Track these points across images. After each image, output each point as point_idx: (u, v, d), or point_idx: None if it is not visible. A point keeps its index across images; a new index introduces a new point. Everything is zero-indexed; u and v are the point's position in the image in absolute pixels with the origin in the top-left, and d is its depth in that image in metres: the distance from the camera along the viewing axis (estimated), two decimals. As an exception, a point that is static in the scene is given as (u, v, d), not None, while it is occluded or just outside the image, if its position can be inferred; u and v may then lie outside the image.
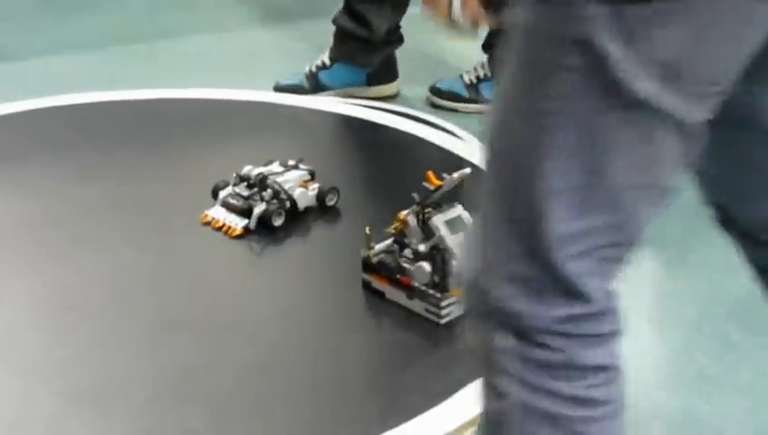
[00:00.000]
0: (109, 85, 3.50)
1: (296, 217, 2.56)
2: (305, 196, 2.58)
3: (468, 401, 1.88)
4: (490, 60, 3.38)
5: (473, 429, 1.84)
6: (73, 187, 2.75)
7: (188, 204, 2.62)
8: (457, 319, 2.13)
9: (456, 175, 2.17)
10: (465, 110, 3.38)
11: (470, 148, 2.97)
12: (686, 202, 2.68)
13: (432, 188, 2.16)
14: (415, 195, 2.17)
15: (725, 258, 2.41)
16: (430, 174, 2.16)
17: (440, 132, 3.10)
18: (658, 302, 2.27)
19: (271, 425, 1.84)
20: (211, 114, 3.22)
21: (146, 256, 2.41)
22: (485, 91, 3.37)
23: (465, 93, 3.42)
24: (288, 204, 2.54)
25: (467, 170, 2.20)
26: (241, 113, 3.23)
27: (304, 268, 2.38)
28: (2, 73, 3.67)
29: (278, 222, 2.51)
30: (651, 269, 2.39)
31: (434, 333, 2.11)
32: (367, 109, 3.26)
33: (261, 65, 3.77)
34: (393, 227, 2.21)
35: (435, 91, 3.45)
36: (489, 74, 3.40)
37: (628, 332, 2.13)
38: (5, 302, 2.23)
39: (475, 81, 3.42)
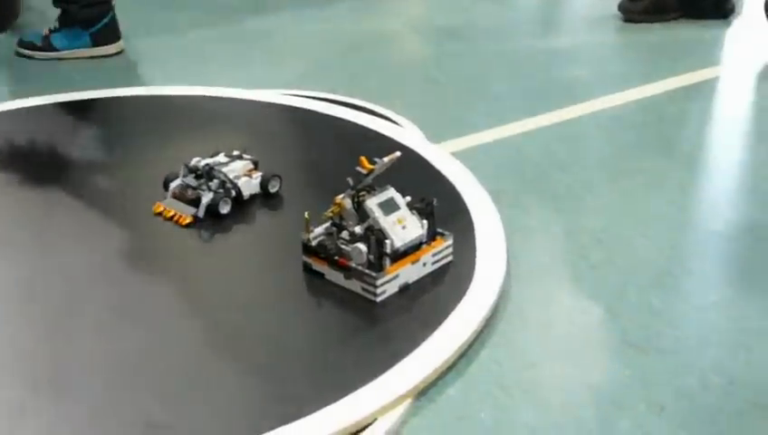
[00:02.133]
0: (62, 86, 3.48)
1: (242, 205, 2.54)
2: (249, 184, 2.56)
3: (403, 375, 1.87)
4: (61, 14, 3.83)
5: (408, 401, 1.83)
6: (28, 185, 2.72)
7: (142, 195, 2.60)
8: (392, 297, 2.12)
9: (386, 159, 2.15)
10: (39, 57, 3.80)
11: (407, 133, 2.96)
12: (609, 176, 2.70)
13: (365, 172, 2.14)
14: (349, 179, 2.15)
15: (647, 231, 2.44)
16: (363, 159, 2.15)
17: (378, 119, 3.08)
18: (584, 273, 2.25)
19: (213, 404, 1.82)
20: (160, 110, 3.20)
21: (101, 245, 2.38)
22: (55, 41, 3.80)
23: (39, 43, 3.82)
24: (233, 192, 2.53)
25: (397, 154, 2.18)
26: (188, 108, 3.22)
27: (249, 253, 2.35)
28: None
29: (225, 210, 2.49)
30: (577, 243, 2.38)
31: (370, 310, 2.08)
32: (308, 99, 3.25)
33: (209, 62, 3.76)
34: (330, 210, 2.19)
35: (18, 41, 3.87)
36: (58, 26, 3.82)
37: (553, 303, 2.15)
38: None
39: (47, 32, 3.81)
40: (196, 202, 2.50)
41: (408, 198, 2.20)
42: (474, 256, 2.26)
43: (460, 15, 4.20)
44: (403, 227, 2.14)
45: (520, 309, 2.12)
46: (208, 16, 4.34)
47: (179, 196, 2.53)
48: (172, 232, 2.44)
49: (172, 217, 2.49)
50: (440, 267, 2.22)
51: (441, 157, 2.79)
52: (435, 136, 2.96)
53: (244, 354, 1.96)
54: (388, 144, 2.86)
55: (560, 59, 3.70)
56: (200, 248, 2.38)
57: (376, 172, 2.15)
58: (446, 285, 2.17)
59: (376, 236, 2.10)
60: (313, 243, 2.20)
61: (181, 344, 2.00)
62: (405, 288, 2.15)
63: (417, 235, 2.16)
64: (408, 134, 2.96)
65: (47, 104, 3.29)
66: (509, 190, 2.63)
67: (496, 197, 2.54)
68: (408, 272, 2.15)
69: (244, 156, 2.63)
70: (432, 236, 2.21)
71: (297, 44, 3.96)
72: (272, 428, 1.75)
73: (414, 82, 3.51)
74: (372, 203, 2.13)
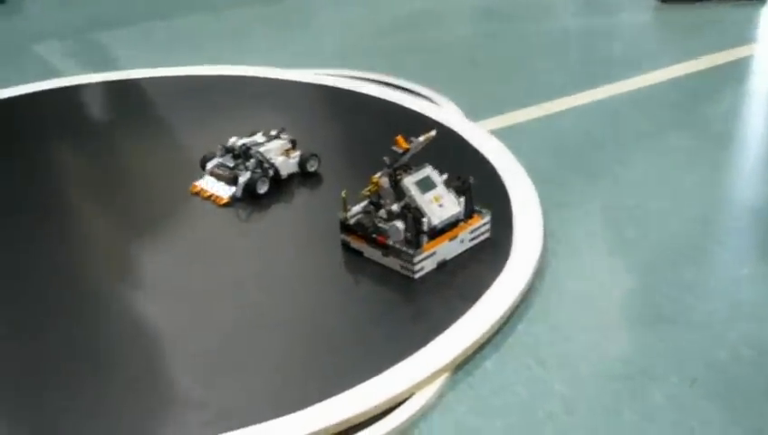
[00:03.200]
0: (104, 66, 3.54)
1: (280, 184, 2.59)
2: (287, 163, 2.61)
3: (441, 349, 1.93)
4: None
5: (446, 375, 1.88)
6: (68, 164, 2.79)
7: (179, 175, 2.65)
8: (430, 273, 2.17)
9: (422, 138, 2.20)
10: None
11: (445, 112, 3.00)
12: (644, 153, 2.74)
13: (401, 151, 2.19)
14: (385, 158, 2.20)
15: (680, 206, 2.47)
16: (399, 138, 2.19)
17: (416, 98, 3.12)
18: (618, 248, 2.30)
19: (254, 380, 1.87)
20: (197, 90, 3.25)
21: (139, 225, 2.45)
22: None
23: None
24: (271, 172, 2.57)
25: (433, 133, 2.23)
26: (226, 87, 3.26)
27: (288, 232, 2.40)
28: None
29: (262, 189, 2.54)
30: (612, 218, 2.43)
31: (408, 287, 2.13)
32: (345, 78, 3.29)
33: (248, 41, 3.80)
34: (368, 189, 2.24)
35: None
36: None
37: (588, 277, 2.19)
38: (4, 270, 2.26)
39: None
40: (233, 182, 2.55)
41: (445, 176, 2.25)
42: (511, 233, 2.31)
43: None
44: (440, 204, 2.19)
45: (556, 284, 2.17)
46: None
47: (217, 176, 2.58)
48: (210, 211, 2.49)
49: (209, 197, 2.54)
50: (478, 244, 2.27)
51: (479, 135, 2.83)
52: (473, 114, 3.00)
53: (283, 332, 2.02)
54: (427, 123, 2.90)
55: (596, 38, 3.73)
56: (238, 227, 2.44)
57: (412, 151, 2.20)
58: (484, 260, 2.22)
59: (413, 214, 2.15)
60: (351, 221, 2.25)
61: (219, 322, 2.05)
62: (442, 265, 2.20)
63: (453, 212, 2.21)
64: (446, 113, 3.00)
65: (84, 84, 3.34)
66: (546, 167, 2.67)
67: (533, 174, 2.59)
68: (446, 249, 2.20)
69: (282, 135, 2.67)
70: (469, 213, 2.26)
71: (336, 23, 4.01)
72: (311, 404, 1.80)
73: (452, 61, 3.55)
74: (409, 181, 2.19)
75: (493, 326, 2.00)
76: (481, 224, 2.27)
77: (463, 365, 1.93)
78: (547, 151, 2.79)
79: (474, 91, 3.24)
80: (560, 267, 2.23)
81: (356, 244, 2.25)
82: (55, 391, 1.86)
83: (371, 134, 2.86)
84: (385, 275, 2.17)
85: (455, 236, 2.22)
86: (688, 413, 1.77)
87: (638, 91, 3.19)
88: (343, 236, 2.27)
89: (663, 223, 2.39)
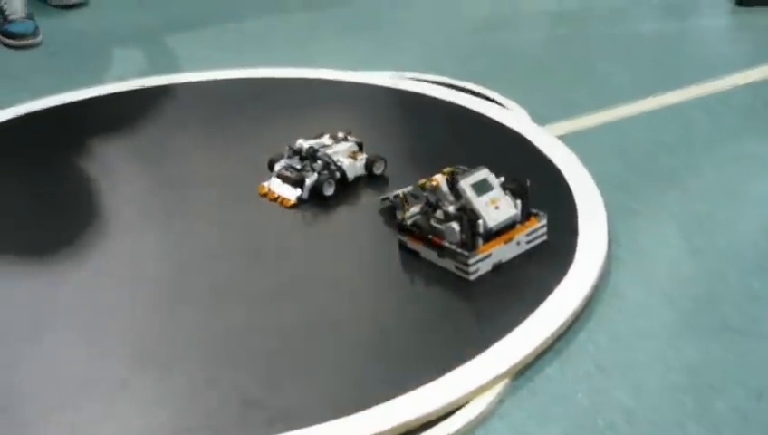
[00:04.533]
0: (175, 68, 3.55)
1: (346, 186, 2.57)
2: (354, 166, 2.58)
3: (502, 354, 1.88)
4: None
5: (504, 381, 1.84)
6: (140, 164, 2.79)
7: (247, 177, 2.64)
8: (488, 276, 2.13)
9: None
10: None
11: (513, 116, 2.96)
12: (715, 159, 2.67)
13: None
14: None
15: (751, 215, 2.40)
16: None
17: (484, 101, 3.08)
18: (685, 256, 2.23)
19: (314, 381, 1.85)
20: (266, 91, 3.25)
21: (207, 226, 2.43)
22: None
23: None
24: (338, 174, 2.55)
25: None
26: (294, 90, 3.25)
27: (353, 233, 2.37)
28: (67, 61, 3.73)
29: (329, 191, 2.52)
30: (680, 226, 2.36)
31: (465, 289, 2.09)
32: (412, 81, 3.26)
33: (318, 44, 3.79)
34: (421, 182, 2.24)
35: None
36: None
37: (653, 285, 2.13)
38: (74, 271, 2.26)
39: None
40: (300, 183, 2.52)
41: (502, 178, 2.21)
42: (575, 238, 2.26)
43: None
44: (496, 207, 2.15)
45: (619, 291, 2.11)
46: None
47: (283, 177, 2.56)
48: (277, 213, 2.48)
49: (276, 199, 2.52)
50: (540, 249, 2.22)
51: (546, 139, 2.79)
52: (541, 118, 2.96)
53: (341, 333, 1.99)
54: (494, 126, 2.87)
55: (669, 42, 3.66)
56: (303, 229, 2.41)
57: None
58: (547, 265, 2.16)
59: (468, 216, 2.12)
60: (408, 222, 2.22)
61: (280, 323, 2.03)
62: (498, 267, 2.16)
63: (510, 214, 2.17)
64: (513, 116, 2.96)
65: (155, 86, 3.36)
66: (613, 173, 2.61)
67: (600, 179, 2.53)
68: (502, 251, 2.16)
69: (349, 138, 2.65)
70: (526, 215, 2.22)
71: (405, 27, 3.98)
72: (368, 407, 1.77)
73: (521, 64, 3.50)
74: (465, 183, 2.15)
75: (555, 332, 1.95)
76: (538, 226, 2.22)
77: (524, 371, 1.88)
78: (615, 157, 2.73)
79: (542, 94, 3.19)
80: (624, 274, 2.17)
81: (413, 245, 2.22)
82: (117, 386, 1.86)
83: (438, 137, 2.83)
84: (442, 277, 2.13)
85: (510, 239, 2.17)
86: (755, 428, 1.70)
87: (710, 95, 3.12)
88: (401, 237, 2.25)
89: (732, 231, 2.32)
